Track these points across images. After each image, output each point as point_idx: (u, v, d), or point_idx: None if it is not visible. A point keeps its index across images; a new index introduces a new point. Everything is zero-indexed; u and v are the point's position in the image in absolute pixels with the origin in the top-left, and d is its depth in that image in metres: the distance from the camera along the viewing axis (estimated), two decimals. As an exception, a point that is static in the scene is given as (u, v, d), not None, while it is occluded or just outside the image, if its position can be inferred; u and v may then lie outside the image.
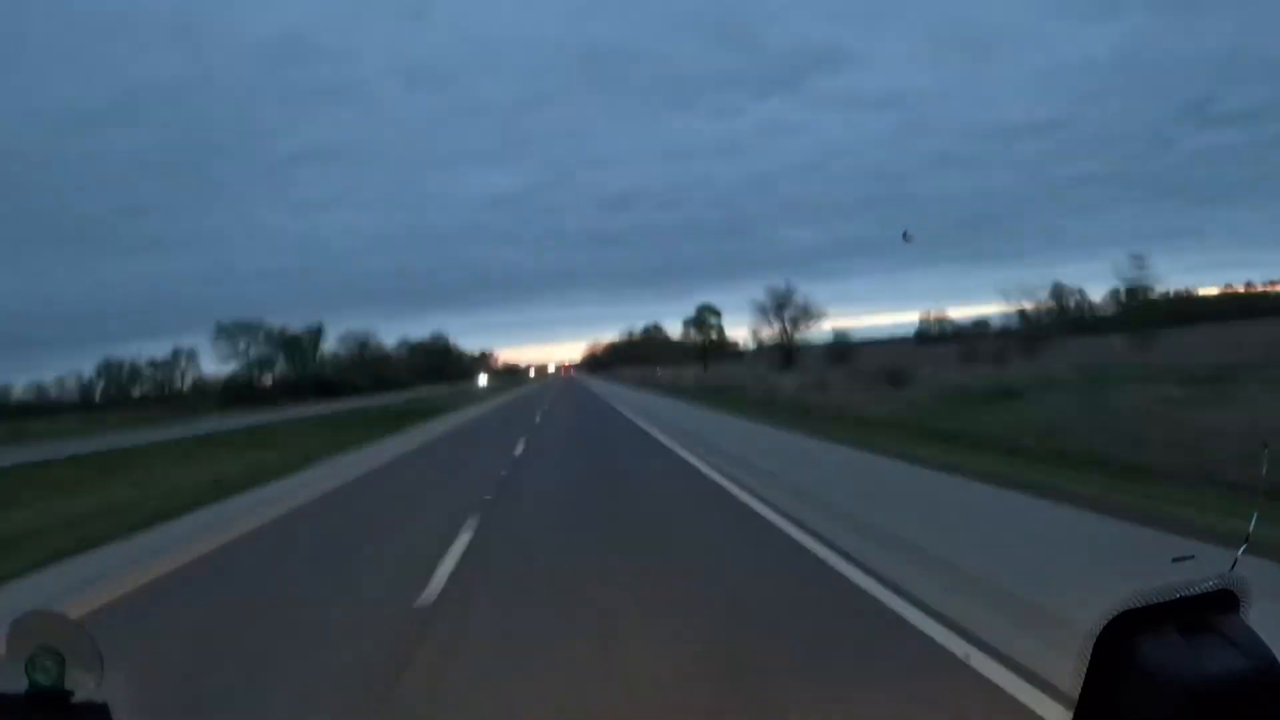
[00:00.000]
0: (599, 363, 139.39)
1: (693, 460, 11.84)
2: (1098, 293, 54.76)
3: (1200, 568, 0.90)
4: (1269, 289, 69.67)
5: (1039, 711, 3.02)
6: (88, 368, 79.03)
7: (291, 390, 73.42)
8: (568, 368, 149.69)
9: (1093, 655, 0.85)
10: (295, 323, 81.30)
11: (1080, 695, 0.86)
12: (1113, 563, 5.09)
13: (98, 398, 76.39)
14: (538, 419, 24.96)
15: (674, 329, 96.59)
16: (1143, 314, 44.19)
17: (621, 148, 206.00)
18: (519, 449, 15.57)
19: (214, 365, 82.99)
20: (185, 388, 79.90)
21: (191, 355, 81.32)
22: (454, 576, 5.81)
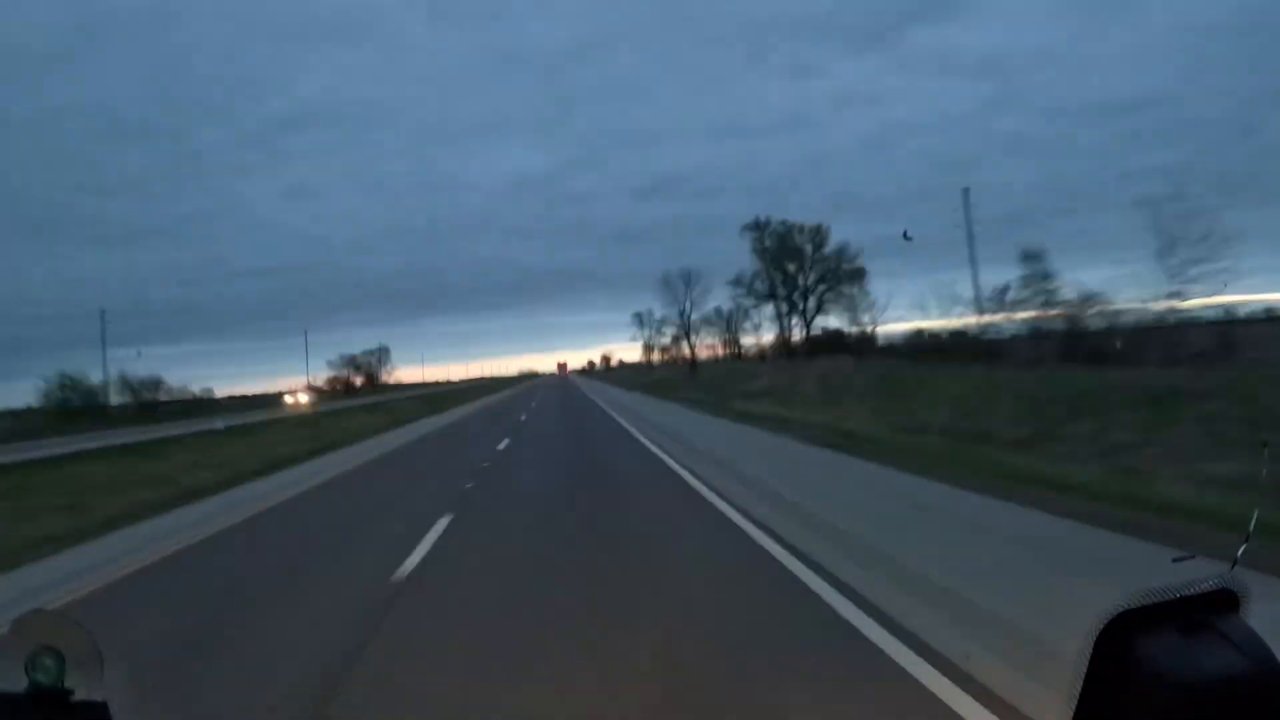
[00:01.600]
0: (595, 370, 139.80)
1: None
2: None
3: (1200, 568, 0.90)
4: None
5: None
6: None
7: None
8: (565, 370, 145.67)
9: (1092, 655, 0.85)
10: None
11: (1080, 695, 0.86)
12: None
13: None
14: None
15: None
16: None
17: (670, 118, 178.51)
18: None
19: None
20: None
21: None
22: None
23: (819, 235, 57.01)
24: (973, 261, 36.57)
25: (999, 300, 29.09)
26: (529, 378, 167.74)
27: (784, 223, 57.42)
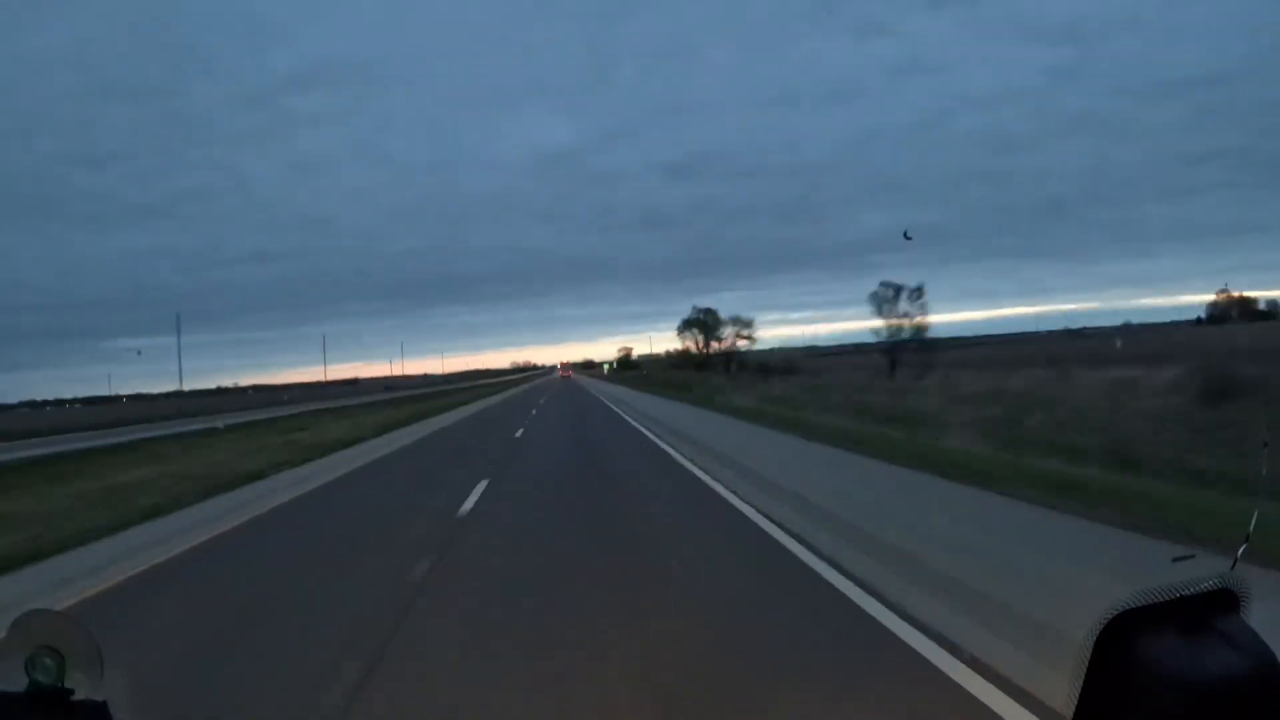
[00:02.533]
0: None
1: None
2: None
3: (1200, 568, 0.90)
4: None
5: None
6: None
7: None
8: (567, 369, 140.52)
9: (1092, 655, 0.85)
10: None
11: (1080, 695, 0.86)
12: None
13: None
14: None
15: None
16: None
17: (716, 84, 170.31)
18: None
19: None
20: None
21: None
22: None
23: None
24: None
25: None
26: (524, 374, 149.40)
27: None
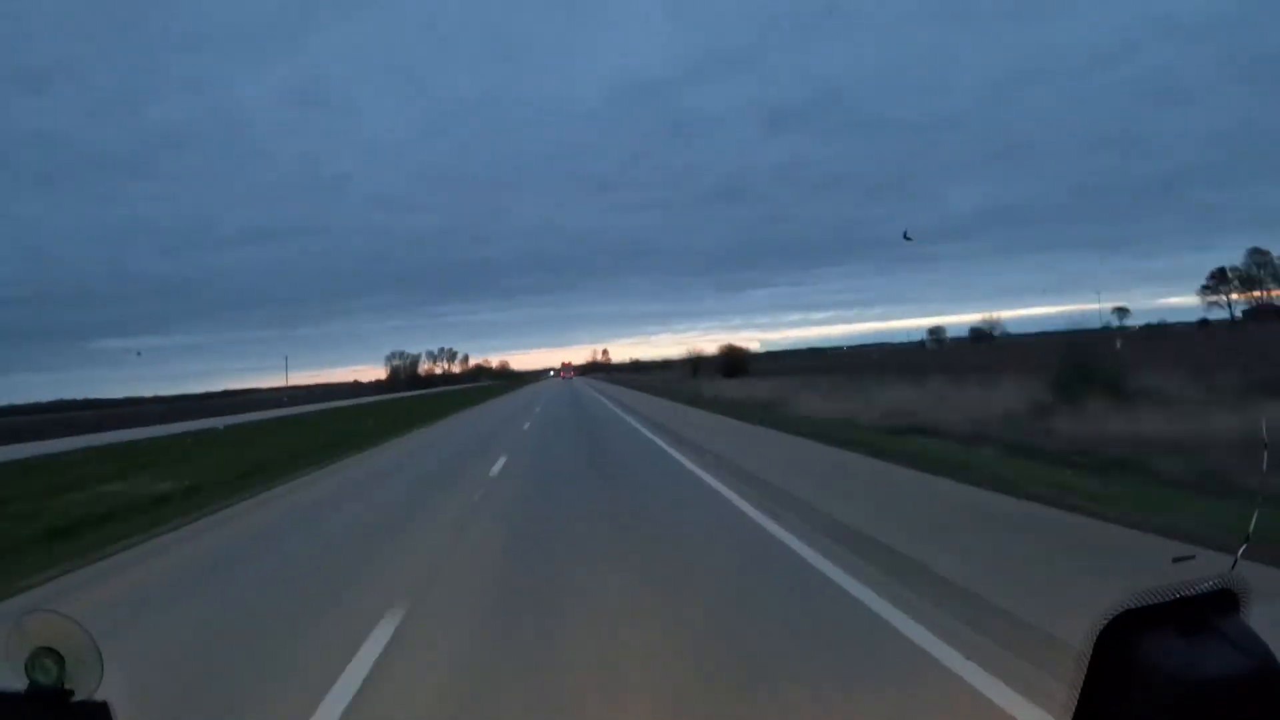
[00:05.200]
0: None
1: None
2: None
3: (1200, 568, 0.91)
4: None
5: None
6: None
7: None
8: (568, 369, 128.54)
9: (1092, 655, 0.85)
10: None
11: (1080, 695, 0.86)
12: None
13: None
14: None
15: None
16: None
17: None
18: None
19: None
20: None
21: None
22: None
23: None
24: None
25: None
26: (503, 382, 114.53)
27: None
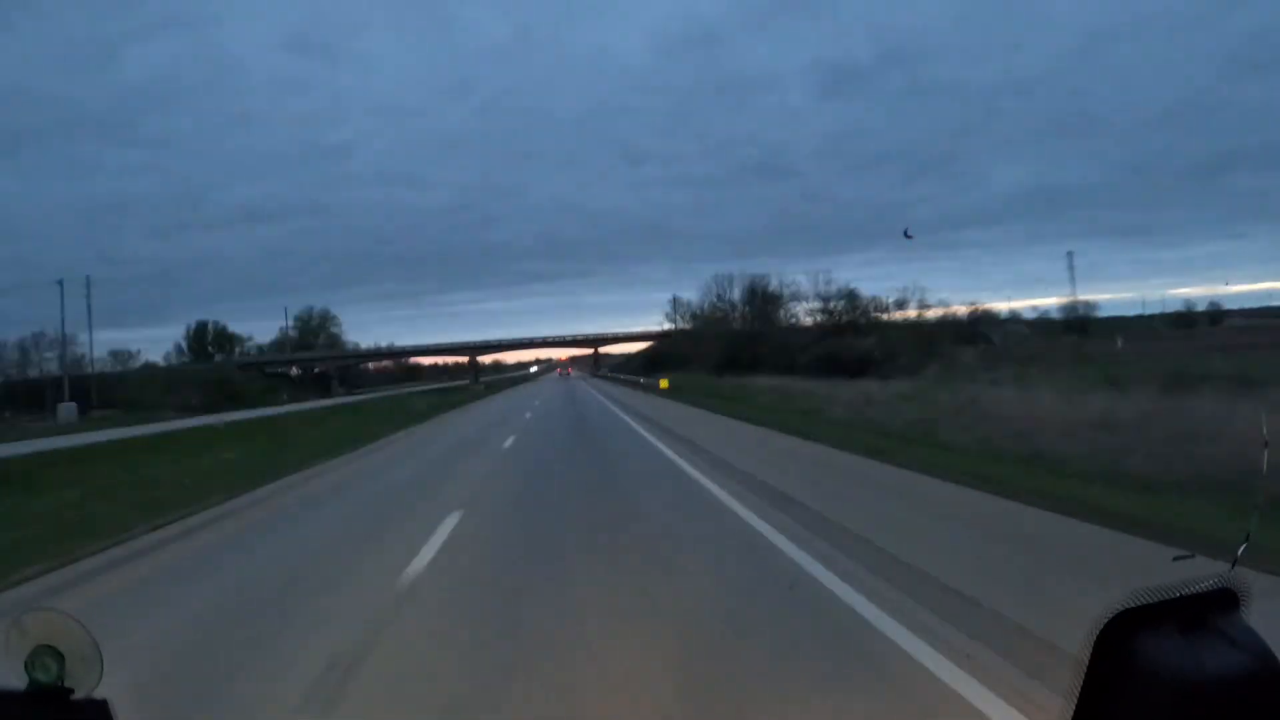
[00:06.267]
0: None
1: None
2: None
3: (1200, 567, 0.90)
4: None
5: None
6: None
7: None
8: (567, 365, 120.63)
9: (1092, 654, 0.85)
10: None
11: (1080, 694, 0.86)
12: None
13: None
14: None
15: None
16: None
17: None
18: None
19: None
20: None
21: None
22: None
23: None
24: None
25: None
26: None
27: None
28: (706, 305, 62.65)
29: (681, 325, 66.82)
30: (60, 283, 55.74)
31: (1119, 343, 47.82)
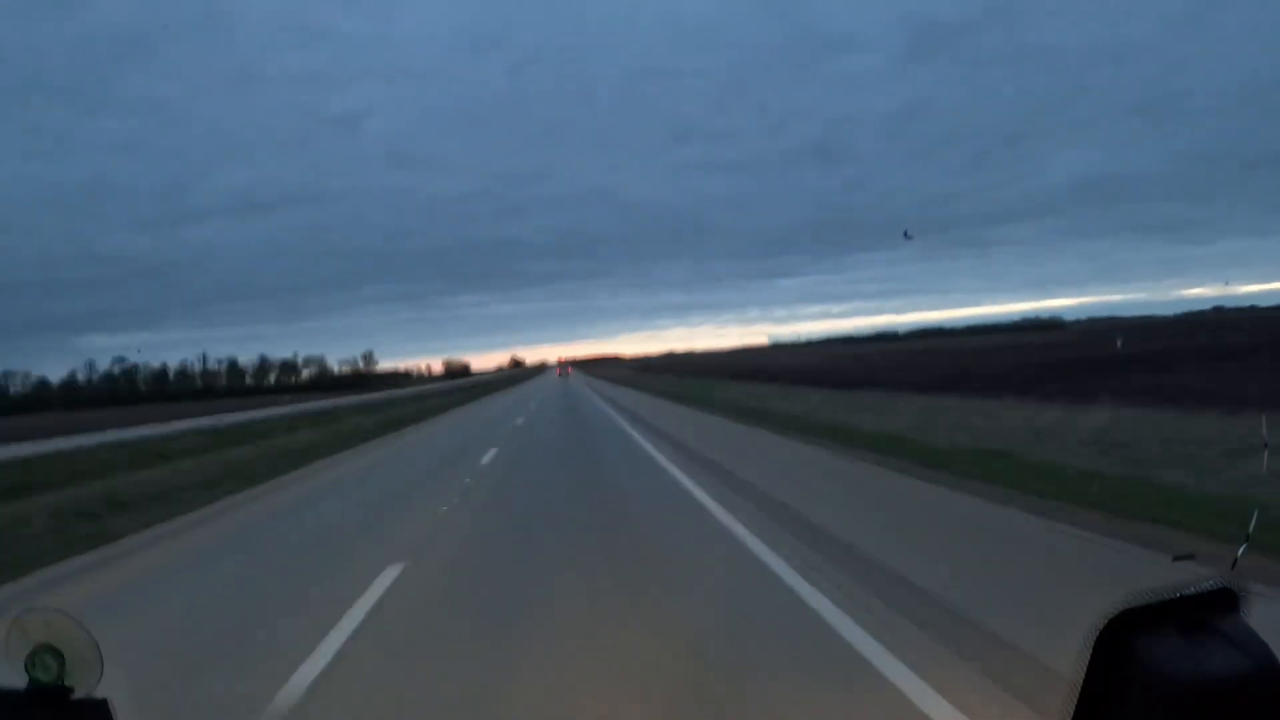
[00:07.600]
0: None
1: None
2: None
3: (1200, 567, 0.91)
4: None
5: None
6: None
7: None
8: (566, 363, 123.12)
9: (1092, 654, 0.85)
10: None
11: (1079, 694, 0.86)
12: None
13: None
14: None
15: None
16: None
17: None
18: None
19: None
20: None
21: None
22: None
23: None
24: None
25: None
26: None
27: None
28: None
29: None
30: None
31: (1119, 343, 48.04)
